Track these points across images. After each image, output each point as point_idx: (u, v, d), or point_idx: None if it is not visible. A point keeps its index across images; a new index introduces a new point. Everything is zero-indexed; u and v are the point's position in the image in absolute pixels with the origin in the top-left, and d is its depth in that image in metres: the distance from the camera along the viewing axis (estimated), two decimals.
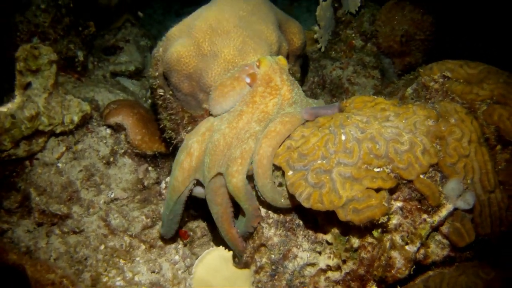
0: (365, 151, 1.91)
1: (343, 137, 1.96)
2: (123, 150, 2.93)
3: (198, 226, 2.75)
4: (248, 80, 2.09)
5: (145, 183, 2.91)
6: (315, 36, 3.29)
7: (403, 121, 2.00)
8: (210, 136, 2.14)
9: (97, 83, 3.37)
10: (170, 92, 2.42)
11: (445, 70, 2.33)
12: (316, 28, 3.27)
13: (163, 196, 2.87)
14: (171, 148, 2.56)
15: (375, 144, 1.92)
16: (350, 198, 1.82)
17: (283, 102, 2.10)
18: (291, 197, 1.97)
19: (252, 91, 2.08)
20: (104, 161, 2.87)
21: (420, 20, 3.04)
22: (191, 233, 2.72)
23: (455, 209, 1.93)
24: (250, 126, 2.07)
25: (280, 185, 2.11)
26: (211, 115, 2.24)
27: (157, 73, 2.47)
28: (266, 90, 2.07)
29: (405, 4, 3.11)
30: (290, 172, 1.99)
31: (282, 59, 2.11)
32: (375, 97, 2.16)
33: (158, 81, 2.47)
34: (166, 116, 2.49)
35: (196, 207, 2.80)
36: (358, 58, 3.26)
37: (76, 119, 2.78)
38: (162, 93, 2.47)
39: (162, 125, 2.55)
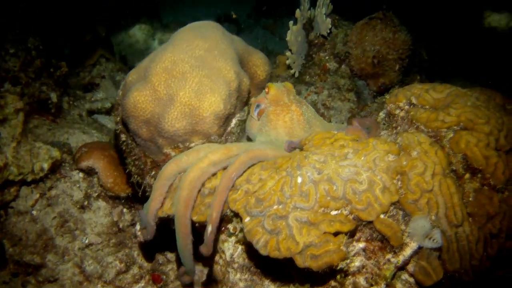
0: (322, 193, 1.84)
1: (299, 180, 1.90)
2: (96, 193, 2.90)
3: (172, 269, 2.70)
4: (256, 115, 2.37)
5: (120, 226, 2.87)
6: (287, 62, 3.22)
7: (362, 158, 1.93)
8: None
9: (72, 124, 3.35)
10: (131, 138, 2.38)
11: (410, 96, 2.25)
12: (288, 53, 3.20)
13: (138, 238, 2.82)
14: (140, 193, 2.51)
15: (332, 185, 1.85)
16: (308, 244, 1.75)
17: (299, 117, 2.29)
18: (249, 244, 1.91)
19: (267, 113, 2.29)
20: (78, 206, 2.84)
21: (392, 39, 2.96)
22: (164, 277, 2.66)
23: (420, 247, 1.84)
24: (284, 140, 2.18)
25: (241, 230, 2.05)
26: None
27: (118, 118, 2.43)
28: (277, 108, 2.28)
29: (376, 23, 3.03)
30: (247, 219, 1.93)
31: (288, 84, 2.37)
32: (335, 132, 2.09)
33: (120, 127, 2.43)
34: (131, 161, 2.45)
35: (172, 249, 2.75)
36: (332, 81, 3.19)
37: (46, 166, 2.75)
38: (124, 139, 2.43)
39: (128, 170, 2.51)
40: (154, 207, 2.12)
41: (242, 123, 2.48)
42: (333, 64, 3.22)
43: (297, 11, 3.25)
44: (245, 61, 2.59)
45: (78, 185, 2.90)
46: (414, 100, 2.23)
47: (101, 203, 2.90)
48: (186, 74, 2.26)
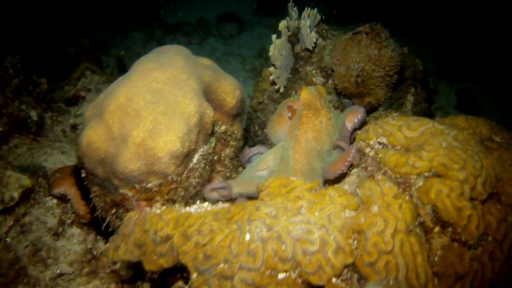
0: (270, 253, 1.70)
1: (247, 237, 1.76)
2: (70, 220, 2.85)
3: None
4: (289, 114, 2.42)
5: (94, 253, 2.82)
6: (271, 77, 3.03)
7: (316, 213, 1.77)
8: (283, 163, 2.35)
9: (53, 142, 3.30)
10: (90, 175, 2.29)
11: (381, 135, 2.06)
12: (271, 69, 3.00)
13: (111, 268, 2.76)
14: (103, 227, 2.43)
15: (281, 244, 1.71)
16: None
17: (327, 121, 2.34)
18: None
19: (299, 116, 2.34)
20: (52, 233, 2.80)
21: (377, 55, 2.73)
22: None
23: None
24: (312, 145, 2.31)
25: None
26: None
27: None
28: (310, 112, 2.33)
29: (361, 38, 2.79)
30: (195, 275, 1.82)
31: (320, 88, 2.41)
32: (293, 179, 1.93)
33: (80, 162, 2.34)
34: (92, 197, 2.37)
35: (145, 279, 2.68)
36: None
37: (16, 195, 2.71)
38: (84, 174, 2.34)
39: (92, 204, 2.43)
40: None
41: (208, 156, 2.35)
42: (319, 79, 3.01)
43: (281, 23, 3.03)
44: (212, 88, 2.43)
45: (52, 212, 2.85)
46: (384, 140, 2.04)
47: (75, 230, 2.85)
48: (140, 112, 2.13)
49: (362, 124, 2.40)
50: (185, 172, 2.23)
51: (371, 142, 2.08)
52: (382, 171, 1.96)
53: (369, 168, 2.06)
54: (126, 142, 2.10)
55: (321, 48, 3.08)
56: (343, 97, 2.91)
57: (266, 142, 3.24)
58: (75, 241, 2.82)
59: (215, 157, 2.51)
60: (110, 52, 6.44)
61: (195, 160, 2.26)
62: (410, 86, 3.20)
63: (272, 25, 7.16)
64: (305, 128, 2.33)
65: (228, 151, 2.56)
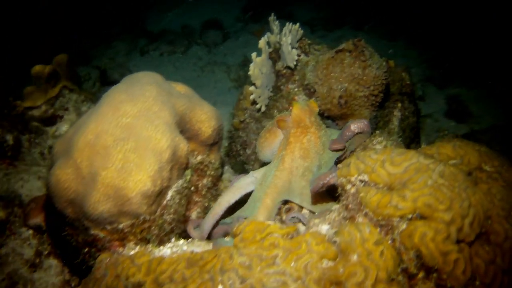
0: None
1: None
2: (47, 251, 2.75)
3: None
4: (279, 126, 2.34)
5: (72, 285, 2.72)
6: (251, 97, 2.90)
7: (292, 264, 1.67)
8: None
9: (30, 166, 3.18)
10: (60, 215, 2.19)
11: (362, 171, 1.95)
12: (251, 88, 2.87)
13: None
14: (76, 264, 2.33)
15: None
16: None
17: (315, 140, 2.25)
18: None
19: (287, 135, 2.27)
20: (28, 265, 2.70)
21: (361, 75, 2.61)
22: None
23: None
24: (299, 163, 2.24)
25: None
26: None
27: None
28: (298, 130, 2.24)
29: (344, 57, 2.67)
30: None
31: (312, 103, 2.33)
32: (269, 223, 1.83)
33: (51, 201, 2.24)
34: (65, 235, 2.27)
35: None
36: None
37: None
38: (55, 213, 2.23)
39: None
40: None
41: (183, 190, 2.24)
42: (302, 97, 2.90)
43: (261, 40, 2.90)
44: (186, 118, 2.32)
45: (28, 242, 2.75)
46: (366, 178, 1.93)
47: (52, 261, 2.75)
48: (109, 149, 2.02)
49: (363, 133, 2.32)
50: (159, 210, 2.13)
51: (352, 179, 1.97)
52: (364, 212, 1.86)
53: (350, 206, 1.95)
54: (95, 182, 1.99)
55: (304, 65, 2.96)
56: (326, 118, 2.80)
57: (248, 163, 3.13)
58: (53, 273, 2.72)
59: (192, 188, 2.41)
60: (93, 63, 6.27)
61: (168, 196, 2.16)
62: (396, 102, 3.09)
63: (257, 32, 7.02)
64: (292, 147, 2.26)
65: (205, 181, 2.46)
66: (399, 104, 3.10)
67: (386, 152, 2.02)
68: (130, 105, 2.14)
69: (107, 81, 5.75)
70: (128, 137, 2.06)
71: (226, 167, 3.42)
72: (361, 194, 1.89)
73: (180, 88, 2.48)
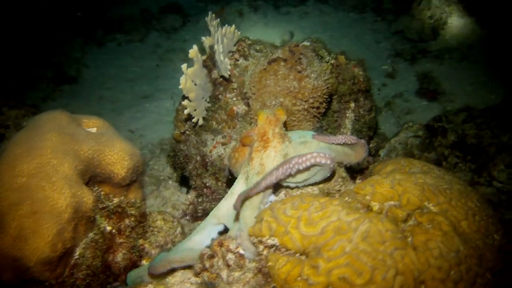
0: None
1: None
2: None
3: None
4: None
5: None
6: (186, 112, 2.63)
7: None
8: None
9: None
10: None
11: (273, 233, 1.74)
12: (185, 102, 2.59)
13: None
14: None
15: None
16: None
17: (275, 154, 2.07)
18: None
19: (250, 150, 2.13)
20: None
21: (297, 88, 2.32)
22: None
23: None
24: (253, 181, 2.06)
25: None
26: None
27: None
28: (260, 144, 2.09)
29: (278, 68, 2.37)
30: None
31: (279, 112, 2.12)
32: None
33: None
34: None
35: None
36: (242, 127, 2.63)
37: None
38: None
39: None
40: None
41: (96, 242, 2.09)
42: (241, 107, 2.63)
43: (192, 50, 2.56)
44: (95, 162, 2.13)
45: None
46: (276, 242, 1.72)
47: None
48: (4, 217, 1.89)
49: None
50: (67, 270, 2.01)
51: (264, 239, 1.77)
52: (271, 286, 1.67)
53: (265, 270, 1.75)
54: None
55: (243, 70, 2.68)
56: None
57: (192, 178, 2.94)
58: None
59: (114, 230, 2.25)
60: (52, 60, 5.94)
61: (76, 255, 2.02)
62: (348, 102, 2.81)
63: (217, 13, 6.51)
64: (253, 164, 2.11)
65: (128, 221, 2.30)
66: (352, 104, 2.82)
67: (303, 206, 1.80)
68: (27, 162, 1.97)
69: (64, 79, 5.52)
70: (22, 201, 1.90)
71: (170, 182, 3.24)
72: (270, 263, 1.71)
73: (94, 123, 2.27)
